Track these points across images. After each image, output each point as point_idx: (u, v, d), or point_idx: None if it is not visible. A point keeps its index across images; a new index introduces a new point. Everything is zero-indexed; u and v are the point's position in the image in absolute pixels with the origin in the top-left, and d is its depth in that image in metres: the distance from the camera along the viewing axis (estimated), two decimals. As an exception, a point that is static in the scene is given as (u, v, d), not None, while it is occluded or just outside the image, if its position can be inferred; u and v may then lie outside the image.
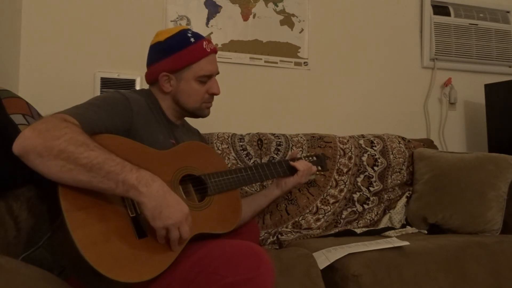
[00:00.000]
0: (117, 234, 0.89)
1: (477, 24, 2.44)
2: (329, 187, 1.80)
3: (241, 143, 1.75)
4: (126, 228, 0.91)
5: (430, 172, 1.83)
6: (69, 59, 1.86)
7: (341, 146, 1.88)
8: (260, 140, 1.79)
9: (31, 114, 1.23)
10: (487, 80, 2.34)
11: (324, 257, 1.29)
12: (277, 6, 2.15)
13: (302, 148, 1.82)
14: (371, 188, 1.86)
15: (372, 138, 1.96)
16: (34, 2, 1.82)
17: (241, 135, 1.79)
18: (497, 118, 2.20)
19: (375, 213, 1.84)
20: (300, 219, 1.72)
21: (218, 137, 1.74)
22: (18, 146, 0.85)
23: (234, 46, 2.08)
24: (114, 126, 1.04)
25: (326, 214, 1.76)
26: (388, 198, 1.89)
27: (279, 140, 1.81)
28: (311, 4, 2.21)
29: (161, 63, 1.20)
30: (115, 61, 1.92)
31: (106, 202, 0.92)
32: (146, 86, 1.30)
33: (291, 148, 1.80)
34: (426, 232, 1.75)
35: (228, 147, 1.72)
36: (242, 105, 2.10)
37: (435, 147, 2.13)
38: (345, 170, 1.84)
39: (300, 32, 2.18)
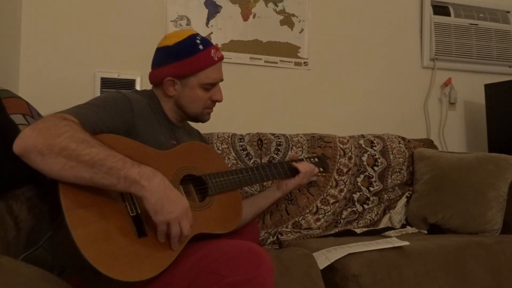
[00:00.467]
0: (117, 232, 0.89)
1: (477, 24, 2.44)
2: (329, 187, 1.80)
3: (241, 143, 1.75)
4: (126, 227, 0.92)
5: (430, 172, 1.83)
6: (69, 59, 1.86)
7: (341, 146, 1.88)
8: (260, 140, 1.79)
9: (31, 114, 1.23)
10: (487, 80, 2.34)
11: (324, 257, 1.29)
12: (277, 6, 2.15)
13: (302, 148, 1.82)
14: (371, 188, 1.86)
15: (372, 138, 1.96)
16: (34, 2, 1.82)
17: (241, 135, 1.79)
18: (497, 118, 2.20)
19: (375, 213, 1.84)
20: (300, 219, 1.72)
21: (218, 137, 1.74)
22: (19, 145, 0.85)
23: (234, 46, 2.08)
24: (114, 126, 1.04)
25: (326, 214, 1.76)
26: (388, 198, 1.89)
27: (279, 140, 1.81)
28: (311, 4, 2.21)
29: (168, 67, 1.20)
30: (115, 61, 1.92)
31: (106, 200, 0.92)
32: (146, 86, 1.30)
33: (291, 148, 1.80)
34: (426, 232, 1.74)
35: (228, 147, 1.72)
36: (242, 105, 2.10)
37: (435, 147, 2.13)
38: (345, 170, 1.84)
39: (300, 32, 2.18)
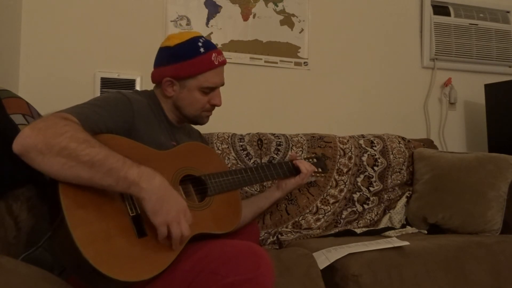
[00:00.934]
0: (117, 233, 0.89)
1: (477, 24, 2.44)
2: (329, 187, 1.80)
3: (241, 143, 1.75)
4: (126, 227, 0.92)
5: (430, 172, 1.83)
6: (69, 59, 1.86)
7: (341, 146, 1.88)
8: (260, 140, 1.79)
9: (31, 114, 1.23)
10: (487, 80, 2.33)
11: (324, 257, 1.29)
12: (277, 6, 2.15)
13: (302, 148, 1.82)
14: (371, 188, 1.86)
15: (372, 138, 1.96)
16: (34, 2, 1.82)
17: (241, 135, 1.79)
18: (497, 118, 2.20)
19: (375, 213, 1.84)
20: (300, 219, 1.72)
21: (218, 137, 1.74)
22: (18, 144, 0.85)
23: (234, 46, 2.08)
24: (115, 126, 1.04)
25: (326, 214, 1.76)
26: (388, 198, 1.89)
27: (279, 140, 1.81)
28: (311, 4, 2.21)
29: (167, 68, 1.20)
30: (115, 61, 1.92)
31: (106, 200, 0.92)
32: (146, 86, 1.30)
33: (291, 148, 1.80)
34: (426, 232, 1.74)
35: (228, 147, 1.72)
36: (242, 105, 2.10)
37: (435, 147, 2.13)
38: (345, 170, 1.84)
39: (300, 32, 2.18)
